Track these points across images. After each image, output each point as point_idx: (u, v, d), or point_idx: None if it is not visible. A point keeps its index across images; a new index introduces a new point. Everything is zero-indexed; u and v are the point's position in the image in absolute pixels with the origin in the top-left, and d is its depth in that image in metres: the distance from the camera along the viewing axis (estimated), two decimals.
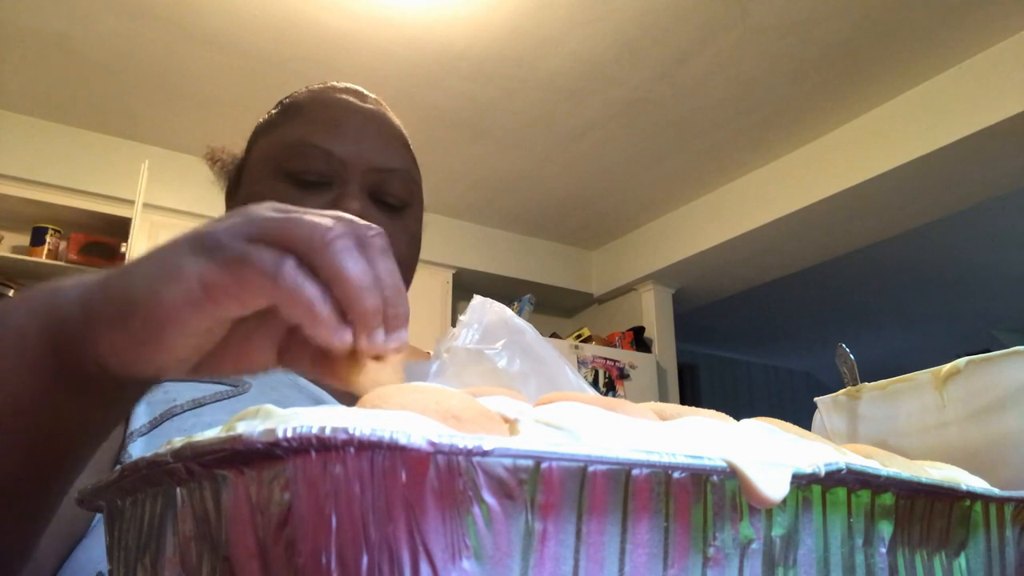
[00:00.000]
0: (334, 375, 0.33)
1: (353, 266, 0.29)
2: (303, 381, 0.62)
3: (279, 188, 0.63)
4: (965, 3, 2.56)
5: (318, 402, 0.61)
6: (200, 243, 0.30)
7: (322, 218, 0.30)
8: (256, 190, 0.65)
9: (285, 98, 0.72)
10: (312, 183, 0.63)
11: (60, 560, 0.47)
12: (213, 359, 0.33)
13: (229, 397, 0.57)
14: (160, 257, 0.31)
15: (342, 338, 0.29)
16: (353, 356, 0.31)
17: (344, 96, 0.69)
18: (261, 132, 0.70)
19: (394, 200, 0.67)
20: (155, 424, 0.54)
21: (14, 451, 0.33)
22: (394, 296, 0.31)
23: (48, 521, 0.38)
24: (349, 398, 0.62)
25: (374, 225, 0.32)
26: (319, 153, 0.63)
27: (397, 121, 0.72)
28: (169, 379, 0.36)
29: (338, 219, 0.31)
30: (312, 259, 0.29)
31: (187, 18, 2.60)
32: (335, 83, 0.72)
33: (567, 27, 2.68)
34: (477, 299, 0.55)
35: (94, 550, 0.47)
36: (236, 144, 0.73)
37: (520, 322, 0.53)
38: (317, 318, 0.29)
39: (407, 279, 0.70)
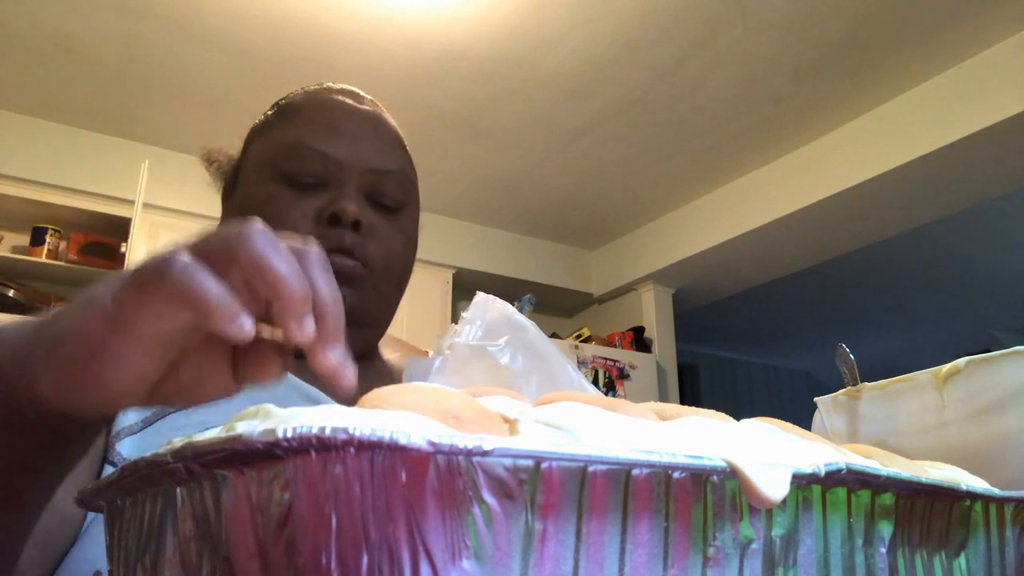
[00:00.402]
0: (268, 373, 0.31)
1: (275, 258, 0.28)
2: (296, 379, 0.62)
3: (275, 190, 0.63)
4: (965, 3, 2.56)
5: (312, 400, 0.61)
6: (122, 272, 0.30)
7: (243, 225, 0.29)
8: (252, 192, 0.65)
9: (281, 99, 0.72)
10: (308, 185, 0.63)
11: (45, 570, 0.47)
12: (166, 389, 0.31)
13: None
14: (85, 294, 0.30)
15: (241, 327, 0.27)
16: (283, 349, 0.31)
17: (340, 97, 0.69)
18: (257, 133, 0.70)
19: (390, 201, 0.67)
20: (148, 423, 0.54)
21: None
22: (334, 307, 0.30)
23: (20, 542, 0.38)
24: (344, 397, 0.62)
25: (313, 242, 0.31)
26: (315, 155, 0.63)
27: (393, 122, 0.72)
28: (122, 410, 0.35)
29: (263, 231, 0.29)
30: (230, 261, 0.28)
31: (187, 18, 2.60)
32: (331, 84, 0.72)
33: (567, 27, 2.68)
34: (480, 296, 0.56)
35: (90, 549, 0.47)
36: (234, 145, 0.73)
37: (522, 319, 0.54)
38: (212, 309, 0.27)
39: (404, 280, 0.70)
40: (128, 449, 0.52)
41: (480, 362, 0.50)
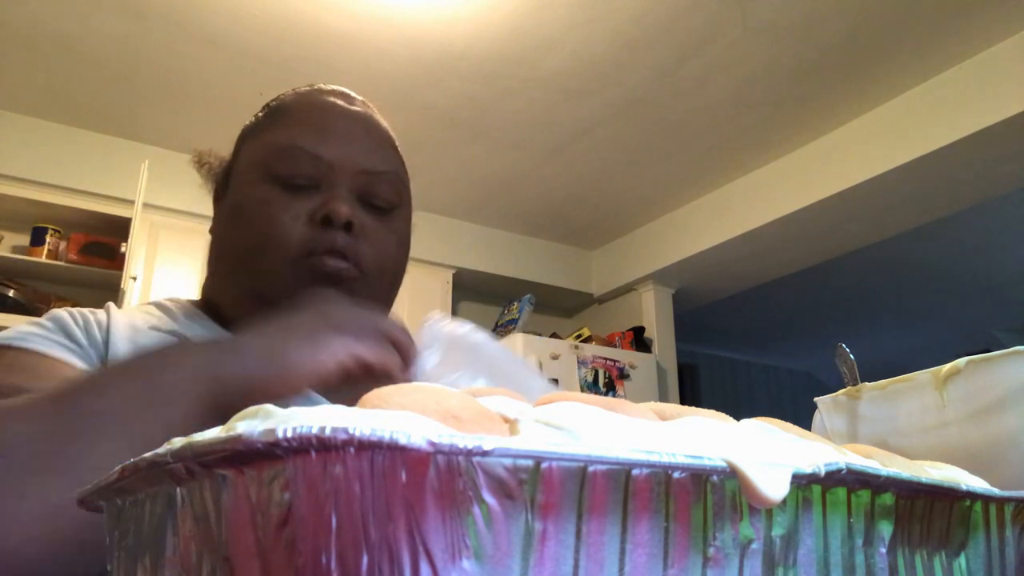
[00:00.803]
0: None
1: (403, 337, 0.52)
2: None
3: (267, 191, 0.63)
4: (965, 3, 2.56)
5: (308, 400, 0.61)
6: (330, 321, 0.49)
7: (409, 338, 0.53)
8: (245, 193, 0.65)
9: (271, 100, 0.72)
10: (300, 186, 0.64)
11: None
12: None
13: None
14: (303, 329, 0.48)
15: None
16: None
17: (331, 99, 0.69)
18: (248, 135, 0.70)
19: (382, 202, 0.67)
20: None
21: None
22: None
23: None
24: (337, 397, 0.63)
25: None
26: (307, 156, 0.64)
27: (385, 123, 0.72)
28: None
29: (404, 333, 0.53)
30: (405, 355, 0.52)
31: (187, 18, 2.60)
32: (321, 85, 0.72)
33: (567, 27, 2.68)
34: (430, 319, 0.57)
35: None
36: (227, 147, 0.73)
37: (478, 338, 0.54)
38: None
39: (397, 280, 0.70)
40: None
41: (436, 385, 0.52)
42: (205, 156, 0.73)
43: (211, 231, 0.71)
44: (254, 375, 0.45)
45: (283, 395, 0.45)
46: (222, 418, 0.38)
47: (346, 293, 0.64)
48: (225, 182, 0.70)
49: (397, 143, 0.73)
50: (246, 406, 0.37)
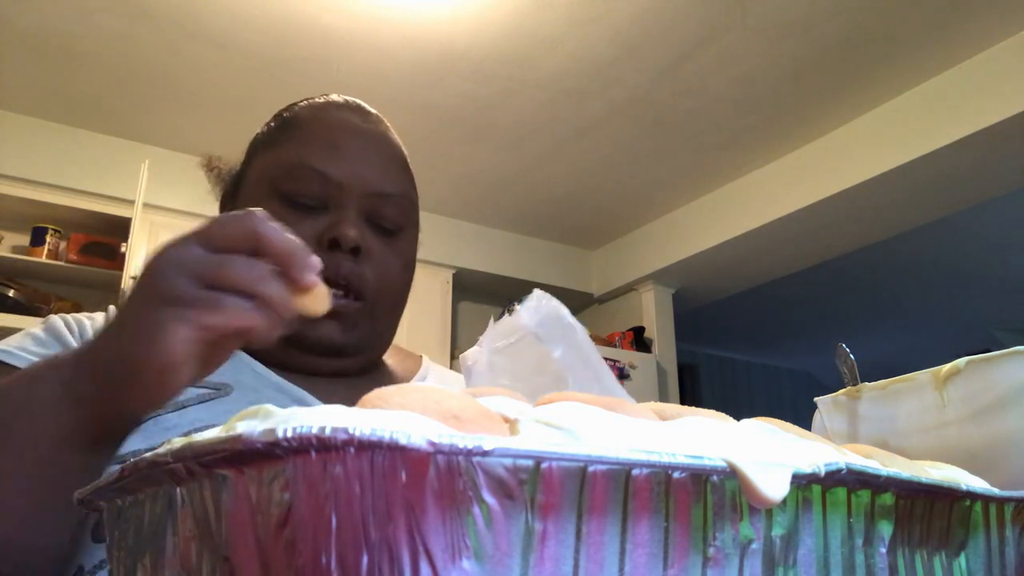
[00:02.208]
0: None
1: (277, 294, 0.39)
2: (285, 383, 0.62)
3: (274, 209, 0.62)
4: (965, 3, 2.56)
5: (300, 402, 0.61)
6: (159, 296, 0.38)
7: (251, 262, 0.39)
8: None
9: (284, 110, 0.71)
10: (308, 206, 0.63)
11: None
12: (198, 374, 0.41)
13: (211, 399, 0.58)
14: (135, 320, 0.39)
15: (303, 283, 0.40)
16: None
17: (344, 114, 0.68)
18: (259, 146, 0.69)
19: (390, 224, 0.66)
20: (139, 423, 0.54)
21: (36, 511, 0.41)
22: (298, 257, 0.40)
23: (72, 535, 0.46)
24: (332, 398, 0.63)
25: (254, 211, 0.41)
26: (316, 176, 0.63)
27: (397, 140, 0.71)
28: None
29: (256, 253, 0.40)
30: (255, 294, 0.39)
31: (187, 18, 2.60)
32: (335, 98, 0.71)
33: (567, 27, 2.68)
34: (537, 292, 0.57)
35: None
36: (235, 147, 0.73)
37: (573, 320, 0.55)
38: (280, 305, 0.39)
39: (400, 302, 0.69)
40: (121, 449, 0.52)
41: (533, 349, 0.52)
42: (215, 161, 0.72)
43: None
44: (107, 383, 0.39)
45: (144, 406, 0.40)
46: (93, 443, 0.39)
47: (347, 327, 0.63)
48: (233, 191, 0.70)
49: (408, 160, 0.72)
50: (113, 413, 0.38)
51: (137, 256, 3.14)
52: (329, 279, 0.61)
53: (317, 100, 0.71)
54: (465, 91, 3.06)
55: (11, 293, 2.99)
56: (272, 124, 0.70)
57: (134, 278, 3.03)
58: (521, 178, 3.81)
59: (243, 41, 2.73)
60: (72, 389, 0.40)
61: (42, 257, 3.12)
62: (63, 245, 3.21)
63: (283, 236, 0.40)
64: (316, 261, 0.40)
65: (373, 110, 0.72)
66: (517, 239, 4.49)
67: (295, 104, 0.71)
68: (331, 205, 0.63)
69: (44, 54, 2.79)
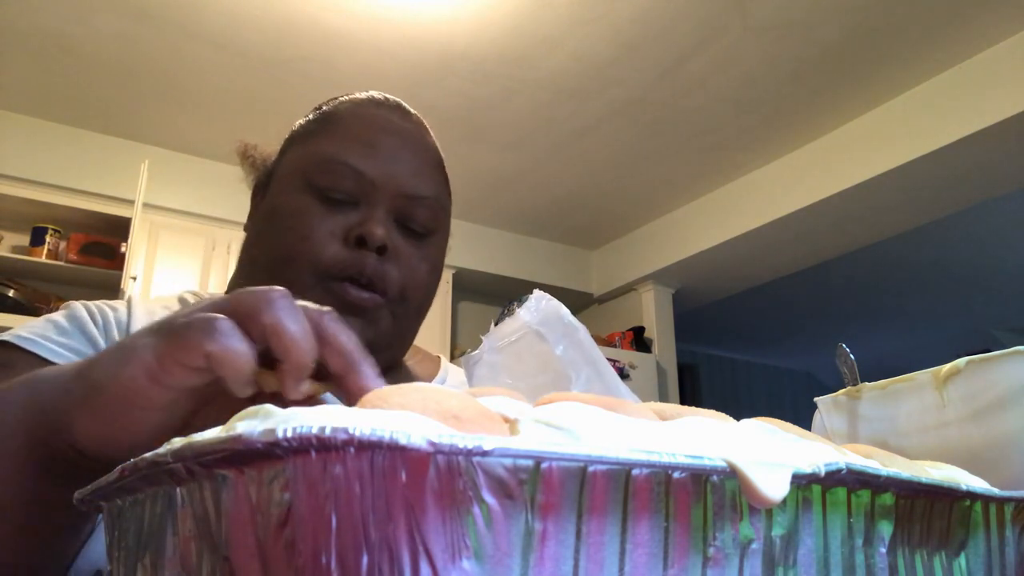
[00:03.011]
0: None
1: (290, 321, 0.32)
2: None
3: (306, 202, 0.62)
4: (965, 3, 2.56)
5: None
6: (158, 326, 0.33)
7: (271, 291, 0.33)
8: (282, 200, 0.64)
9: (324, 104, 0.70)
10: (339, 201, 0.62)
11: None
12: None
13: None
14: (123, 344, 0.34)
15: (244, 392, 0.32)
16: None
17: (384, 112, 0.67)
18: (296, 139, 0.68)
19: (419, 227, 0.65)
20: None
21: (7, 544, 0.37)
22: (349, 350, 0.33)
23: (69, 555, 0.42)
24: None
25: (327, 308, 0.34)
26: (350, 172, 0.62)
27: (435, 143, 0.70)
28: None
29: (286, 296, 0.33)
30: (255, 319, 0.32)
31: (187, 18, 2.60)
32: (376, 95, 0.70)
33: (567, 27, 2.68)
34: (537, 292, 0.57)
35: (92, 549, 0.48)
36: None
37: (574, 320, 0.55)
38: (238, 373, 0.31)
39: (425, 305, 0.68)
40: None
41: (535, 347, 0.51)
42: (251, 149, 0.72)
43: (245, 228, 0.69)
44: (67, 400, 0.34)
45: (92, 438, 0.33)
46: (49, 459, 0.35)
47: (368, 321, 0.62)
48: (266, 181, 0.69)
49: (445, 164, 0.71)
50: (68, 441, 0.34)
51: (137, 256, 3.14)
52: (353, 276, 0.61)
53: (358, 96, 0.70)
54: (465, 91, 3.06)
55: (11, 293, 2.99)
56: (310, 117, 0.69)
57: (134, 278, 3.04)
58: (521, 178, 3.81)
59: (243, 41, 2.73)
60: (34, 404, 0.36)
61: (42, 257, 3.12)
62: (63, 245, 3.21)
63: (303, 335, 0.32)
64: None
65: (413, 111, 0.71)
66: (517, 239, 4.49)
67: (335, 98, 0.70)
68: (362, 202, 0.63)
69: (44, 54, 2.79)
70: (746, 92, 3.06)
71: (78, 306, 0.61)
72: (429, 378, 0.73)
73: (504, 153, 3.56)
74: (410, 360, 0.75)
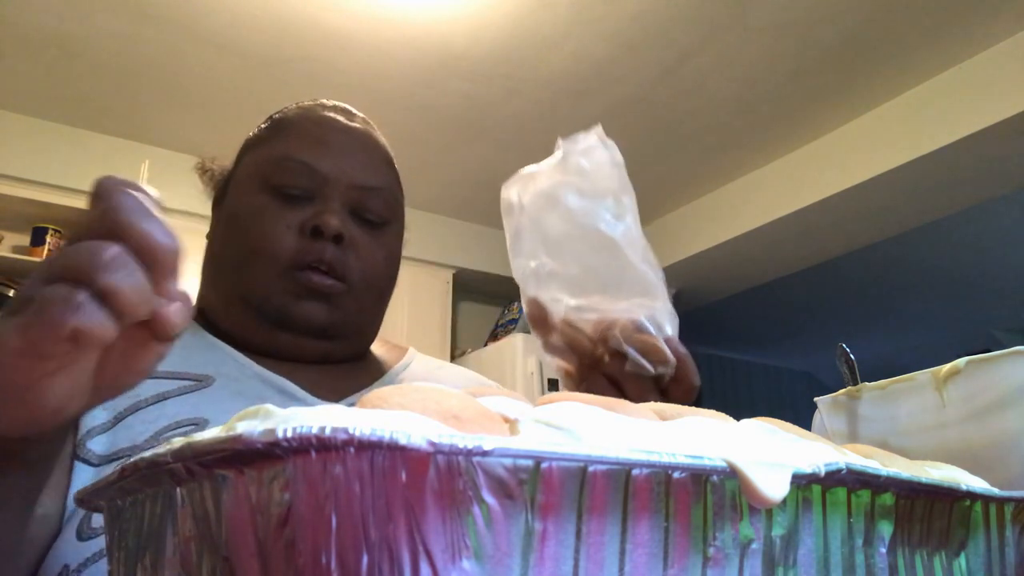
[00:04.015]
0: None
1: (126, 282, 0.31)
2: (267, 372, 0.63)
3: (263, 201, 0.65)
4: (965, 3, 2.56)
5: (282, 391, 0.62)
6: (14, 303, 0.32)
7: (98, 245, 0.32)
8: (241, 202, 0.67)
9: (275, 113, 0.74)
10: (295, 197, 0.65)
11: (23, 572, 0.48)
12: (103, 384, 0.34)
13: (193, 391, 0.59)
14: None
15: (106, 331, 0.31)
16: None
17: (331, 114, 0.71)
18: (250, 147, 0.71)
19: (374, 217, 0.68)
20: (119, 418, 0.55)
21: None
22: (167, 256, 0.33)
23: (9, 550, 0.42)
24: (317, 387, 0.65)
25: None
26: (302, 168, 0.65)
27: (383, 140, 0.74)
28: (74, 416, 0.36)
29: (112, 238, 0.32)
30: (92, 283, 0.30)
31: (187, 18, 2.60)
32: (324, 101, 0.74)
33: (567, 27, 2.68)
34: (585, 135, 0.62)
35: (58, 546, 0.48)
36: (235, 147, 0.75)
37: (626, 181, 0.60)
38: (103, 341, 0.30)
39: (385, 293, 0.72)
40: (101, 446, 0.53)
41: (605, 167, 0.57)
42: (208, 163, 0.75)
43: (207, 237, 0.72)
44: None
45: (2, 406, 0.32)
46: None
47: (332, 307, 0.65)
48: (224, 190, 0.72)
49: (395, 161, 0.74)
50: None
51: None
52: (313, 264, 0.63)
53: (306, 103, 0.74)
54: (465, 91, 3.06)
55: (11, 293, 2.99)
56: (262, 126, 0.73)
57: None
58: None
59: (243, 41, 2.73)
60: None
61: (42, 257, 3.12)
62: (63, 245, 3.21)
63: (146, 219, 0.32)
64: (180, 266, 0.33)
65: (359, 113, 0.75)
66: None
67: (285, 108, 0.74)
68: (317, 196, 0.66)
69: (44, 54, 2.79)
70: (746, 92, 3.06)
71: None
72: (395, 363, 0.76)
73: (504, 153, 3.56)
74: (378, 349, 0.77)
